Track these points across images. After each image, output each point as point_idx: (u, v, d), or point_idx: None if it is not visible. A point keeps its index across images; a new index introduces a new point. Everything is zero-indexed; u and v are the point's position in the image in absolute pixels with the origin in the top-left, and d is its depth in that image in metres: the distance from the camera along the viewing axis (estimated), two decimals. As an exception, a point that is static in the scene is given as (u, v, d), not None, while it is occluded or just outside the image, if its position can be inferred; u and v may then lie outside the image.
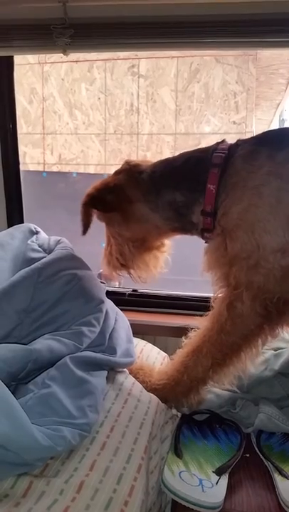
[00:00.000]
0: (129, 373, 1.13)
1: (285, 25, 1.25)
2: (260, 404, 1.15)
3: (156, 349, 1.36)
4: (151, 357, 1.29)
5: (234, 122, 3.97)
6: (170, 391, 1.12)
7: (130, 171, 1.17)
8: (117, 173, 1.20)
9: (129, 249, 1.20)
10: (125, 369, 1.12)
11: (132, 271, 1.27)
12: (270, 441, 1.13)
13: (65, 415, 0.81)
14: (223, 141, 1.10)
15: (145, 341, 1.38)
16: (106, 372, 1.00)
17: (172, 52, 4.02)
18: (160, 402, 1.07)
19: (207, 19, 1.27)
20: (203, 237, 1.12)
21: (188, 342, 1.14)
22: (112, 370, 1.07)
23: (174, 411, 1.17)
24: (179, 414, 1.18)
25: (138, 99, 4.18)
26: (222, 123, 4.04)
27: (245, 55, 3.96)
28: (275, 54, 3.97)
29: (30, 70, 4.23)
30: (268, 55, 3.99)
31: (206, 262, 1.08)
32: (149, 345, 1.36)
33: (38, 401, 0.82)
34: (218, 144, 1.10)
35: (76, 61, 4.15)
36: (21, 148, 4.64)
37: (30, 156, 4.25)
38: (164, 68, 4.12)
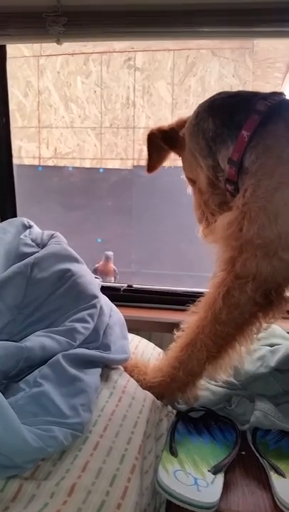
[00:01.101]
0: (124, 370, 1.11)
1: (283, 14, 1.22)
2: (256, 401, 1.14)
3: (151, 345, 1.34)
4: (147, 353, 1.27)
5: (231, 116, 3.93)
6: (166, 388, 1.10)
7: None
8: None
9: (197, 192, 1.13)
10: (120, 366, 1.10)
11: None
12: (265, 438, 1.11)
13: (57, 414, 0.79)
14: (280, 93, 1.00)
15: (140, 337, 1.36)
16: (100, 369, 0.98)
17: (168, 44, 3.98)
18: (155, 399, 1.05)
19: (203, 8, 1.24)
20: (227, 190, 1.04)
21: (182, 335, 1.10)
22: (107, 367, 1.05)
23: (169, 408, 1.15)
24: (174, 412, 1.16)
25: (134, 92, 4.14)
26: (219, 117, 4.00)
27: (242, 49, 3.93)
28: (272, 47, 3.94)
29: (25, 62, 4.17)
30: (265, 48, 3.95)
31: (214, 235, 1.02)
32: (144, 341, 1.34)
33: (30, 400, 0.80)
34: (274, 93, 1.00)
35: (72, 54, 4.10)
36: (16, 142, 4.60)
37: (26, 150, 4.20)
38: (160, 61, 4.07)
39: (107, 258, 2.52)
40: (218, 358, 1.04)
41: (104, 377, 1.01)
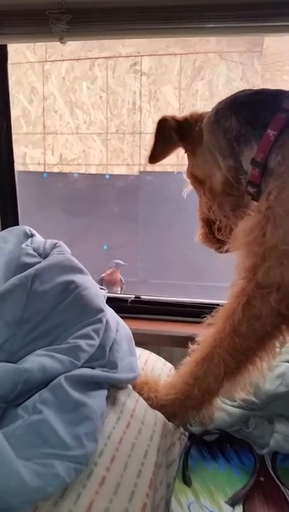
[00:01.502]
0: (133, 388, 1.02)
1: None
2: (275, 423, 1.05)
3: (161, 360, 1.25)
4: (157, 369, 1.18)
5: (239, 120, 3.86)
6: (179, 406, 1.01)
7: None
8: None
9: (207, 194, 1.04)
10: (128, 385, 1.02)
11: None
12: (286, 463, 1.03)
13: (58, 446, 0.71)
14: None
15: (149, 352, 1.27)
16: (106, 391, 0.89)
17: (175, 49, 3.93)
18: (166, 422, 0.97)
19: (210, 2, 1.18)
20: (248, 193, 0.97)
21: (197, 349, 1.01)
22: (113, 386, 0.97)
23: (181, 430, 1.07)
24: (187, 434, 1.08)
25: (140, 97, 4.08)
26: (227, 121, 3.94)
27: (250, 52, 3.86)
28: (280, 50, 3.87)
29: (30, 68, 4.13)
30: (274, 51, 3.88)
31: (235, 241, 0.93)
32: (154, 356, 1.25)
33: (28, 429, 0.72)
34: None
35: (77, 59, 4.06)
36: (21, 149, 4.54)
37: (31, 157, 4.15)
38: (166, 66, 4.02)
39: (116, 266, 2.43)
40: (237, 374, 0.95)
41: (111, 399, 0.92)
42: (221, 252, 1.09)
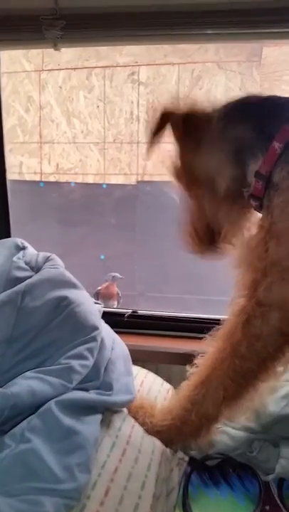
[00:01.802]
0: (128, 413, 0.97)
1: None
2: (281, 447, 1.00)
3: (159, 380, 1.19)
4: (154, 390, 1.12)
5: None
6: (176, 433, 0.95)
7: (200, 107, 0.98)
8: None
9: (209, 198, 0.95)
10: (122, 407, 0.96)
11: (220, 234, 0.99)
12: (292, 490, 0.97)
13: (47, 479, 0.65)
14: None
15: (146, 370, 1.21)
16: (100, 416, 0.84)
17: (173, 58, 3.91)
18: (165, 448, 0.91)
19: (207, 8, 1.15)
20: (249, 205, 0.92)
21: (196, 371, 0.96)
22: (108, 410, 0.91)
23: (180, 454, 1.01)
24: (187, 458, 1.02)
25: (138, 107, 4.06)
26: (225, 131, 3.91)
27: (249, 61, 3.85)
28: (279, 60, 3.85)
29: (26, 77, 4.11)
30: (272, 61, 3.87)
31: (238, 258, 0.89)
32: (151, 376, 1.19)
33: (15, 460, 0.67)
34: None
35: (74, 68, 4.04)
36: (18, 158, 4.49)
37: (27, 166, 4.11)
38: (164, 75, 4.00)
39: (113, 280, 2.37)
40: (237, 398, 0.89)
41: (106, 424, 0.87)
42: (205, 257, 1.03)
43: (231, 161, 0.90)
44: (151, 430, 0.94)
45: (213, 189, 0.93)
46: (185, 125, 0.94)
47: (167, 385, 1.17)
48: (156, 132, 0.95)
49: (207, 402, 0.91)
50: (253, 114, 0.88)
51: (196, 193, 0.99)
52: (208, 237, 1.00)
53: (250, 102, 0.91)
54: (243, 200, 0.92)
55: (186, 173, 0.99)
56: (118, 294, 2.29)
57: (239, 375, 0.87)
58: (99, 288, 2.30)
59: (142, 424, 0.95)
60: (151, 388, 1.12)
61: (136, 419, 0.96)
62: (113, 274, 2.38)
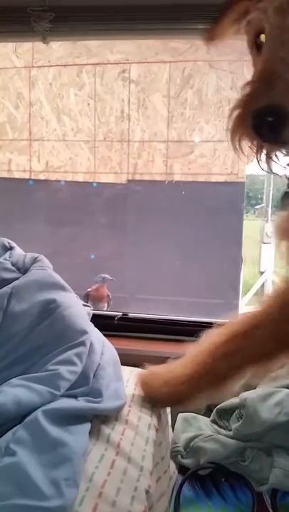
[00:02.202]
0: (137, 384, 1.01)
1: None
2: (274, 456, 0.97)
3: None
4: None
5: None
6: (197, 382, 0.98)
7: None
8: None
9: None
10: (112, 413, 0.92)
11: None
12: (286, 500, 0.94)
13: (33, 495, 0.61)
14: None
15: (139, 370, 1.18)
16: (89, 426, 0.80)
17: (164, 56, 3.88)
18: (156, 454, 0.88)
19: (200, 2, 1.12)
20: None
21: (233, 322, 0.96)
22: (97, 417, 0.88)
23: (172, 469, 0.98)
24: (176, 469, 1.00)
25: (129, 105, 4.02)
26: (216, 130, 3.88)
27: (240, 61, 3.83)
28: (270, 60, 3.84)
29: (16, 74, 4.05)
30: (264, 60, 3.86)
31: (277, 229, 0.88)
32: None
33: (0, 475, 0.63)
34: None
35: (64, 65, 3.99)
36: (7, 155, 4.43)
37: (16, 163, 4.05)
38: (155, 73, 3.96)
39: (103, 281, 2.33)
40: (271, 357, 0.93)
41: (94, 433, 0.83)
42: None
43: None
44: (174, 383, 0.96)
45: None
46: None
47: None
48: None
49: (240, 355, 0.93)
50: None
51: None
52: None
53: None
54: None
55: None
56: (108, 296, 2.25)
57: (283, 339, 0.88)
58: (89, 290, 2.26)
59: (159, 388, 0.97)
60: None
61: (149, 389, 0.99)
62: (103, 275, 2.34)
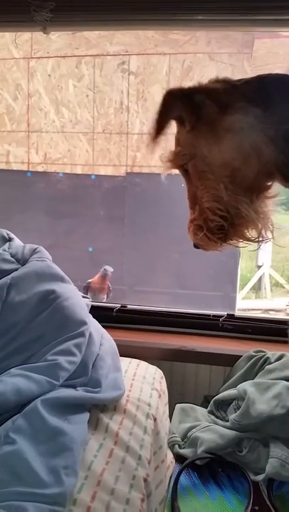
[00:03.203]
0: None
1: (283, 0, 1.11)
2: (271, 446, 0.98)
3: (152, 367, 1.15)
4: (148, 378, 1.08)
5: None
6: None
7: (227, 79, 0.88)
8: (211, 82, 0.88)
9: (226, 189, 0.83)
10: (111, 403, 0.93)
11: (236, 228, 0.86)
12: (282, 490, 0.96)
13: (32, 483, 0.62)
14: None
15: (138, 360, 1.18)
16: (88, 415, 0.81)
17: (164, 48, 3.85)
18: (154, 442, 0.89)
19: None
20: (271, 196, 0.85)
21: None
22: (96, 406, 0.88)
23: (169, 458, 0.98)
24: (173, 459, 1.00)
25: (128, 97, 3.99)
26: (215, 123, 3.88)
27: (240, 53, 3.81)
28: (270, 53, 3.82)
29: (15, 65, 4.01)
30: (264, 53, 3.84)
31: None
32: (143, 365, 1.15)
33: (-1, 463, 0.64)
34: None
35: (63, 56, 3.95)
36: (5, 147, 4.42)
37: (14, 155, 4.03)
38: (155, 65, 3.93)
39: (105, 274, 2.30)
40: None
41: (93, 422, 0.84)
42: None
43: (280, 144, 0.80)
44: None
45: (241, 173, 0.84)
46: (194, 110, 0.85)
47: (160, 372, 1.14)
48: (163, 115, 0.84)
49: None
50: None
51: (207, 183, 0.87)
52: (220, 232, 0.88)
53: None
54: (266, 189, 0.86)
55: (198, 161, 0.88)
56: (109, 287, 2.24)
57: None
58: (89, 280, 2.24)
59: None
60: (146, 377, 1.08)
61: None
62: (106, 267, 2.32)
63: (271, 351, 1.22)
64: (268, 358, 1.19)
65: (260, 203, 0.86)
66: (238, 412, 1.01)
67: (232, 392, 1.09)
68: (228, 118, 0.82)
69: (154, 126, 0.86)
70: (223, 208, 0.84)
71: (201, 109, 0.83)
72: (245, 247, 0.91)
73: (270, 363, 1.17)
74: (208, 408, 1.16)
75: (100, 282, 2.21)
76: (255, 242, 0.88)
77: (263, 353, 1.21)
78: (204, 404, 1.29)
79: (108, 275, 2.27)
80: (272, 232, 0.87)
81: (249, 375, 1.19)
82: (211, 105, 0.82)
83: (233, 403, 1.07)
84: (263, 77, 0.86)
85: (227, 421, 1.05)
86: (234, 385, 1.17)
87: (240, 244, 0.89)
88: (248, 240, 0.88)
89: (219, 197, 0.84)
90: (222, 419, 1.08)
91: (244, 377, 1.19)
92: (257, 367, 1.19)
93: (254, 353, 1.22)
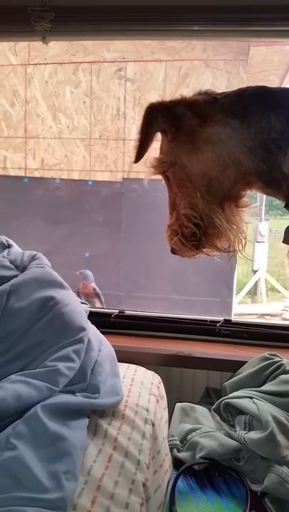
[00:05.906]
0: None
1: (278, 12, 1.13)
2: (272, 461, 0.98)
3: (150, 373, 1.16)
4: (146, 383, 1.09)
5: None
6: None
7: (209, 92, 0.92)
8: (194, 95, 0.93)
9: (202, 198, 0.87)
10: (110, 409, 0.94)
11: (208, 237, 0.91)
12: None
13: (33, 488, 0.63)
14: None
15: (136, 366, 1.19)
16: (87, 420, 0.82)
17: (160, 55, 3.88)
18: (153, 447, 0.90)
19: (196, 4, 1.16)
20: (244, 205, 0.88)
21: None
22: (94, 412, 0.89)
23: (167, 462, 0.99)
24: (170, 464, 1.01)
25: (125, 103, 4.02)
26: (211, 130, 3.91)
27: (236, 60, 3.84)
28: (266, 60, 3.86)
29: (12, 71, 4.03)
30: (259, 60, 3.88)
31: None
32: (141, 370, 1.16)
33: (0, 468, 0.64)
34: None
35: (61, 63, 3.98)
36: (2, 153, 4.43)
37: (11, 161, 4.04)
38: (151, 72, 3.96)
39: (84, 277, 2.28)
40: None
41: (92, 427, 0.85)
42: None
43: (260, 155, 0.84)
44: None
45: (219, 183, 0.88)
46: (174, 122, 0.88)
47: (158, 377, 1.15)
48: (143, 135, 0.89)
49: None
50: (282, 105, 0.83)
51: (185, 191, 0.91)
52: (194, 239, 0.93)
53: (274, 91, 0.86)
54: (241, 198, 0.89)
55: (178, 169, 0.91)
56: (95, 289, 2.22)
57: None
58: (78, 287, 2.22)
59: None
60: (144, 382, 1.09)
61: None
62: (82, 270, 2.28)
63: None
64: (282, 364, 1.19)
65: (234, 214, 0.89)
66: (249, 432, 1.00)
67: (249, 406, 1.05)
68: (207, 129, 0.86)
69: (138, 144, 0.90)
70: (198, 215, 0.88)
71: (181, 120, 0.87)
72: (235, 255, 0.93)
73: (284, 371, 1.17)
74: (215, 406, 1.15)
75: (83, 287, 2.20)
76: (225, 252, 0.91)
77: (279, 359, 1.21)
78: (205, 398, 1.30)
79: (88, 277, 2.25)
80: (244, 244, 0.89)
81: (259, 376, 1.19)
82: (191, 117, 0.86)
83: (247, 417, 1.04)
84: (242, 90, 0.89)
85: (232, 425, 1.05)
86: (242, 382, 1.19)
87: (213, 254, 0.92)
88: (219, 250, 0.91)
89: (195, 205, 0.88)
90: (227, 422, 1.08)
91: (253, 377, 1.19)
92: (269, 371, 1.19)
93: (269, 355, 1.23)
